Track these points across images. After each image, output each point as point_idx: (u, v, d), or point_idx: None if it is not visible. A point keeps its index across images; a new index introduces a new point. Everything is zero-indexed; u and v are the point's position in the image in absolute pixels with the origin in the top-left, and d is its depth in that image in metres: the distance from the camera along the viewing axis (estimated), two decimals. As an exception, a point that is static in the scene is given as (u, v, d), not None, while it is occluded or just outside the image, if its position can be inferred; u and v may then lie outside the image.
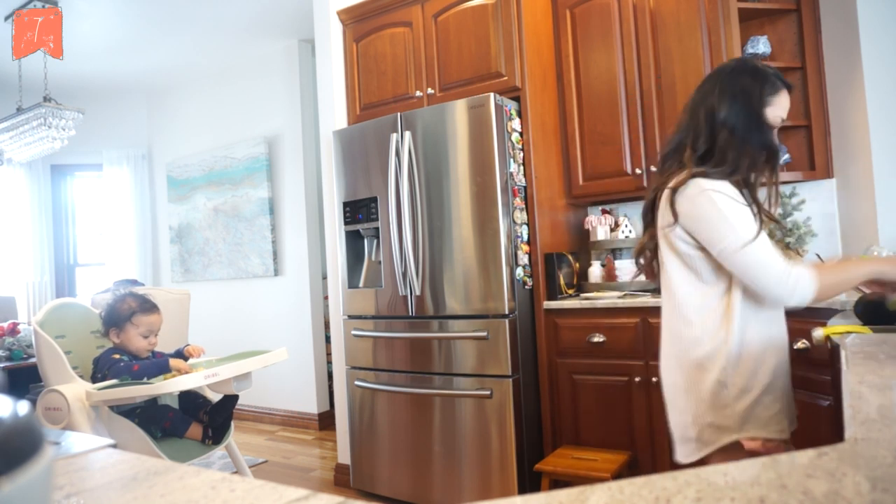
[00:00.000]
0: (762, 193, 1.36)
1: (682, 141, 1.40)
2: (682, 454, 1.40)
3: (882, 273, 1.27)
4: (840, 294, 1.30)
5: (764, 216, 1.33)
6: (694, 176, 1.31)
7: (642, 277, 2.72)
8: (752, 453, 1.30)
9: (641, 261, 1.52)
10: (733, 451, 1.31)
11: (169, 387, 2.01)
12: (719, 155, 1.32)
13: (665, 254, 1.41)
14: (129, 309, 2.39)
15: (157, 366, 2.29)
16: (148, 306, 2.44)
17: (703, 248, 1.32)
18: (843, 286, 1.29)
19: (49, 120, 3.62)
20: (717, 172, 1.31)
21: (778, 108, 1.36)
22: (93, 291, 3.78)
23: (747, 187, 1.33)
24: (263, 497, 0.51)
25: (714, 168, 1.31)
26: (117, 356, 2.30)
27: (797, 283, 1.24)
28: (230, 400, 2.43)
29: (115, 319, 2.39)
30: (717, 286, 1.34)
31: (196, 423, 2.35)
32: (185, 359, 2.46)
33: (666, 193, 1.36)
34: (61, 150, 3.96)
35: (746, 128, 1.33)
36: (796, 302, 1.26)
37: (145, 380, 2.16)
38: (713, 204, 1.27)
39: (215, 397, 2.60)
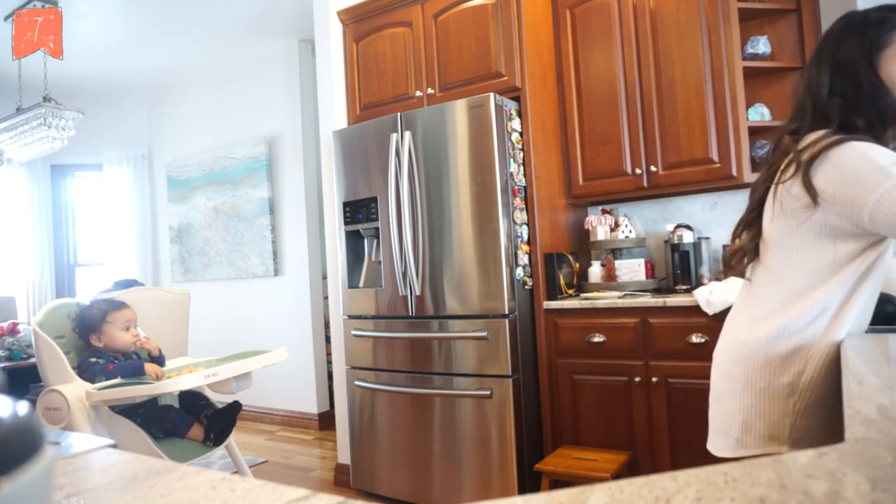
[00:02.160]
0: None
1: (792, 124, 1.25)
2: (715, 446, 1.30)
3: None
4: None
5: None
6: (840, 141, 1.11)
7: (642, 277, 2.74)
8: None
9: (735, 263, 1.34)
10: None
11: (169, 386, 2.01)
12: (837, 125, 1.17)
13: (781, 229, 1.21)
14: (100, 311, 2.43)
15: (132, 367, 2.30)
16: (117, 304, 2.48)
17: (840, 233, 1.14)
18: None
19: (49, 120, 3.62)
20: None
21: None
22: (93, 291, 3.78)
23: None
24: (263, 497, 0.51)
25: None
26: (93, 359, 2.31)
27: None
28: (233, 409, 2.42)
29: (90, 325, 2.42)
30: (844, 272, 1.15)
31: (197, 423, 2.35)
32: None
33: (799, 175, 1.16)
34: (61, 150, 3.97)
35: (855, 94, 1.17)
36: None
37: (145, 379, 2.17)
38: (864, 155, 1.07)
39: (217, 398, 2.61)
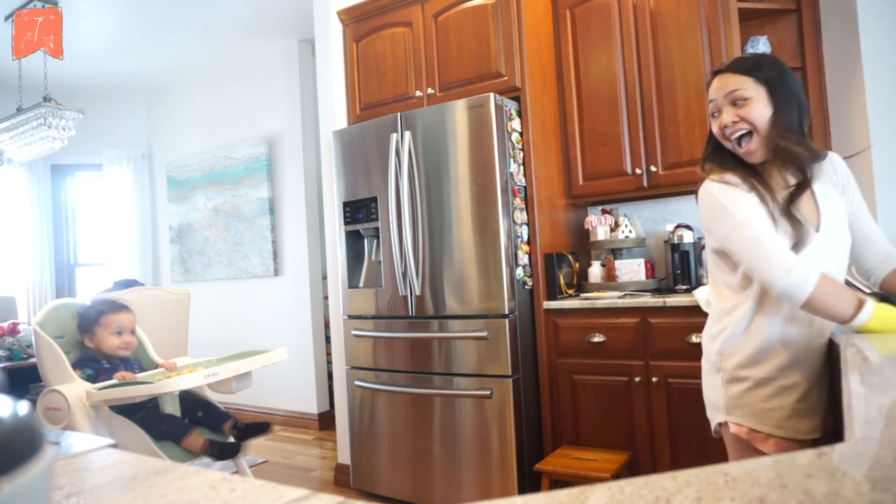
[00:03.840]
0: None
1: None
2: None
3: (867, 330, 1.20)
4: (829, 317, 1.25)
5: (777, 211, 1.35)
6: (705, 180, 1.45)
7: (642, 277, 2.74)
8: (738, 438, 1.37)
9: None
10: (727, 432, 1.42)
11: (169, 386, 2.01)
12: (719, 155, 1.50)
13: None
14: (96, 311, 2.41)
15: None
16: (116, 306, 2.45)
17: (715, 249, 1.43)
18: (834, 310, 1.22)
19: (49, 120, 3.62)
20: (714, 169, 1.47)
21: (709, 96, 1.46)
22: (93, 291, 3.78)
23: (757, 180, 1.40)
24: (263, 497, 0.51)
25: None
26: (78, 371, 2.29)
27: (793, 271, 1.22)
28: (263, 427, 2.35)
29: (85, 324, 2.41)
30: (733, 279, 1.40)
31: (197, 433, 2.26)
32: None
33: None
34: (61, 150, 3.97)
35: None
36: (785, 289, 1.23)
37: (145, 379, 2.16)
38: (712, 195, 1.39)
39: (216, 397, 2.60)
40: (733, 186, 1.36)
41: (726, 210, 1.34)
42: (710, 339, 1.46)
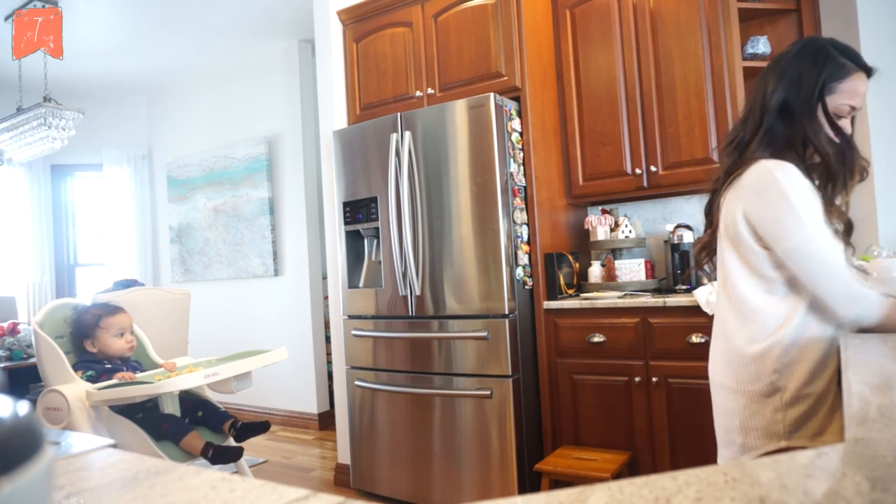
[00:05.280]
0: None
1: (738, 132, 1.34)
2: (724, 459, 1.34)
3: None
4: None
5: (833, 217, 1.23)
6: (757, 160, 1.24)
7: (642, 277, 2.74)
8: None
9: (704, 256, 1.45)
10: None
11: (169, 386, 2.01)
12: (776, 143, 1.26)
13: (725, 248, 1.33)
14: (93, 316, 2.41)
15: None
16: (111, 308, 2.46)
17: (766, 246, 1.24)
18: None
19: (49, 120, 3.62)
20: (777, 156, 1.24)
21: (843, 96, 1.25)
22: (93, 291, 3.78)
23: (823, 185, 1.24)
24: (263, 497, 0.51)
25: (773, 153, 1.24)
26: (79, 373, 2.29)
27: (863, 301, 1.15)
28: (263, 426, 2.37)
29: (84, 331, 2.41)
30: (781, 283, 1.25)
31: (196, 434, 2.26)
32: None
33: (732, 186, 1.30)
34: (61, 150, 3.96)
35: (800, 119, 1.25)
36: (854, 319, 1.17)
37: (145, 378, 2.16)
38: (781, 193, 1.18)
39: (216, 397, 2.60)
40: (802, 185, 1.19)
41: (799, 219, 1.17)
42: (759, 358, 1.24)
